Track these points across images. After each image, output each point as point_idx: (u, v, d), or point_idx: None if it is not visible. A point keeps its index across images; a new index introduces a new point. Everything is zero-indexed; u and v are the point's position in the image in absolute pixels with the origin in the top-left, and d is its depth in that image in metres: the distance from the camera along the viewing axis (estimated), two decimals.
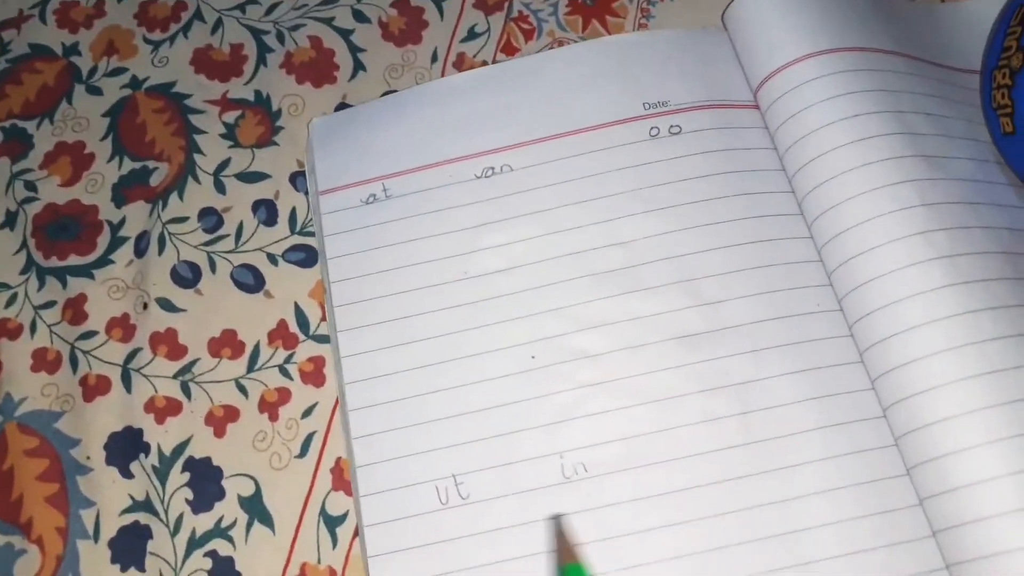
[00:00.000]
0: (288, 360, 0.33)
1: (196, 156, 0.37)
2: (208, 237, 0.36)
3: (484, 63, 0.38)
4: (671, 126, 0.34)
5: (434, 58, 0.38)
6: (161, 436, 0.33)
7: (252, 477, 0.32)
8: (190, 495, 0.32)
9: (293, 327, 0.34)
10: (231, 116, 0.38)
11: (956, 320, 0.29)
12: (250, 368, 0.33)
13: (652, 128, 0.34)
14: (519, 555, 0.29)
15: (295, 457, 0.32)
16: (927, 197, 0.30)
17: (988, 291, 0.29)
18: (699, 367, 0.31)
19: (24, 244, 0.36)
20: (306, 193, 0.36)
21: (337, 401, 0.33)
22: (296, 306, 0.34)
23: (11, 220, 0.37)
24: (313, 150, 0.36)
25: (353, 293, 0.33)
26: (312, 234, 0.35)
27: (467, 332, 0.32)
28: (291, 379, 0.33)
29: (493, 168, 0.35)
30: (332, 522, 0.31)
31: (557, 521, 0.29)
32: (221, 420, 0.33)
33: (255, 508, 0.31)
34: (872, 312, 0.30)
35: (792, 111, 0.33)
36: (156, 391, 0.33)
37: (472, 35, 0.39)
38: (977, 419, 0.27)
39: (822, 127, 0.32)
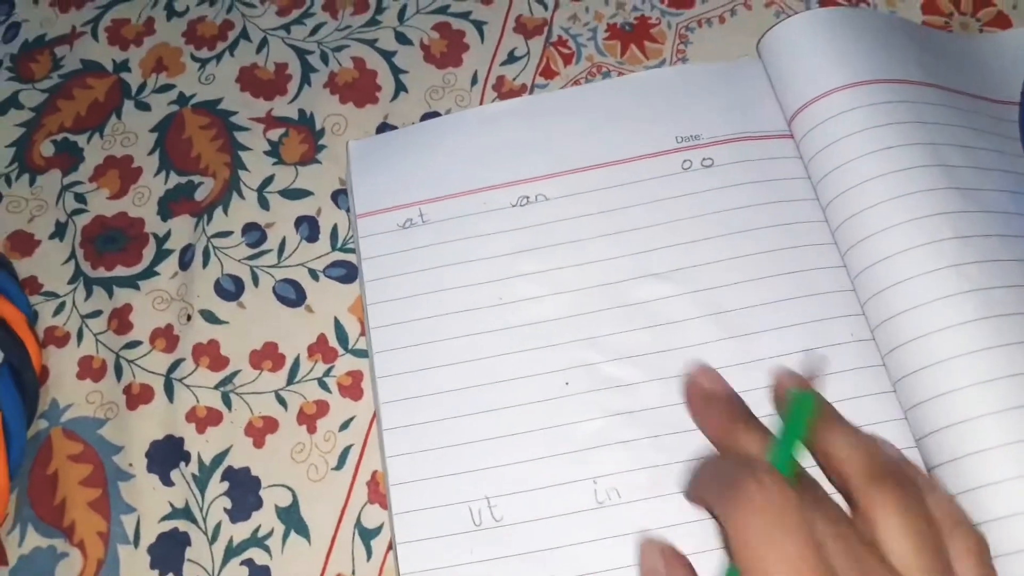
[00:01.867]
0: (327, 374, 0.34)
1: (240, 172, 0.38)
2: (251, 252, 0.36)
3: (523, 86, 0.39)
4: (703, 159, 0.35)
5: (474, 80, 0.39)
6: (201, 445, 0.33)
7: (290, 488, 0.32)
8: (228, 504, 0.32)
9: (332, 341, 0.35)
10: (275, 134, 0.39)
11: (989, 353, 0.29)
12: (290, 380, 0.34)
13: (685, 161, 0.35)
14: None
15: (332, 469, 0.33)
16: (960, 230, 0.31)
17: (1021, 325, 0.29)
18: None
19: (73, 254, 0.37)
20: (347, 210, 0.37)
21: (374, 415, 0.33)
22: (336, 321, 0.35)
23: (61, 231, 0.38)
24: (351, 172, 0.37)
25: (390, 315, 0.34)
26: (352, 251, 0.36)
27: (501, 357, 0.32)
28: (330, 392, 0.34)
29: (528, 197, 0.35)
30: (367, 535, 0.32)
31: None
32: (260, 431, 0.33)
33: (292, 518, 0.32)
34: (904, 344, 0.30)
35: (826, 142, 0.33)
36: (198, 401, 0.34)
37: (512, 59, 0.40)
38: (1010, 451, 0.27)
39: (856, 158, 0.32)
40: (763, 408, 0.30)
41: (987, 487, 0.28)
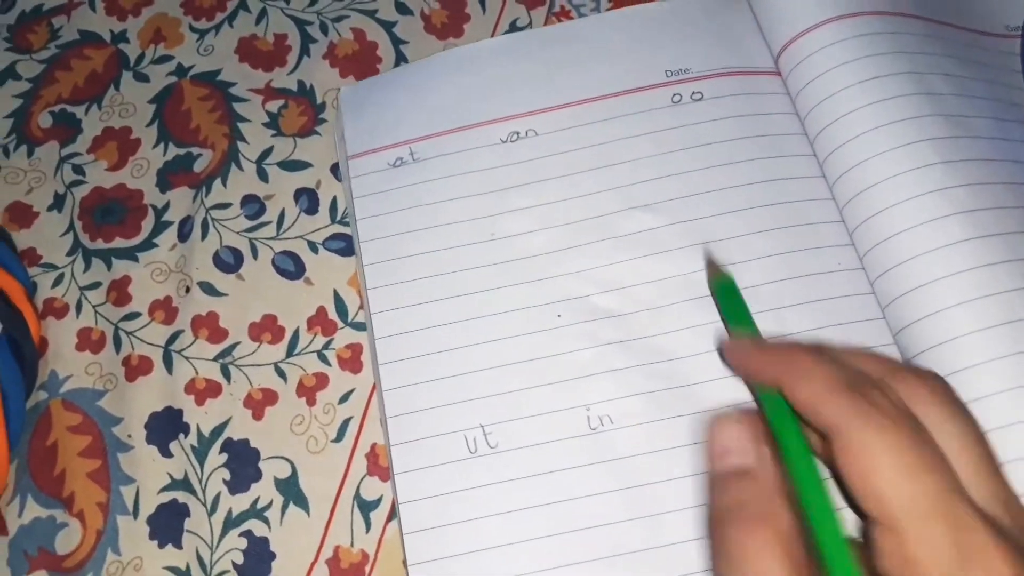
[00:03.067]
0: (327, 346, 0.34)
1: (239, 144, 0.38)
2: (250, 224, 0.36)
3: None
4: (693, 92, 0.35)
5: None
6: (201, 417, 0.33)
7: (289, 460, 0.32)
8: (227, 476, 0.32)
9: (332, 314, 0.34)
10: (274, 105, 0.39)
11: (974, 273, 0.29)
12: (289, 353, 0.34)
13: (674, 95, 0.35)
14: (547, 501, 0.30)
15: (331, 441, 0.33)
16: (946, 155, 0.31)
17: (1007, 244, 0.30)
18: (720, 326, 0.31)
19: (71, 226, 0.37)
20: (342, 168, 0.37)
21: (374, 387, 0.33)
22: (335, 293, 0.35)
23: (59, 203, 0.37)
24: (343, 117, 0.36)
25: (383, 252, 0.34)
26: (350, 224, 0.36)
27: (494, 291, 0.33)
28: (329, 365, 0.34)
29: (518, 132, 0.35)
30: (366, 506, 0.32)
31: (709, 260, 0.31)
32: (260, 403, 0.33)
33: (291, 490, 0.32)
34: (892, 268, 0.30)
35: (812, 75, 0.33)
36: (197, 373, 0.34)
37: (513, 29, 0.39)
38: (996, 367, 0.28)
39: (842, 90, 0.33)
40: None
41: (977, 401, 0.28)
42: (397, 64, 0.39)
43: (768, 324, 0.31)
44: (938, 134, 0.31)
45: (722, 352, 0.31)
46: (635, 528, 0.29)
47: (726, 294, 0.30)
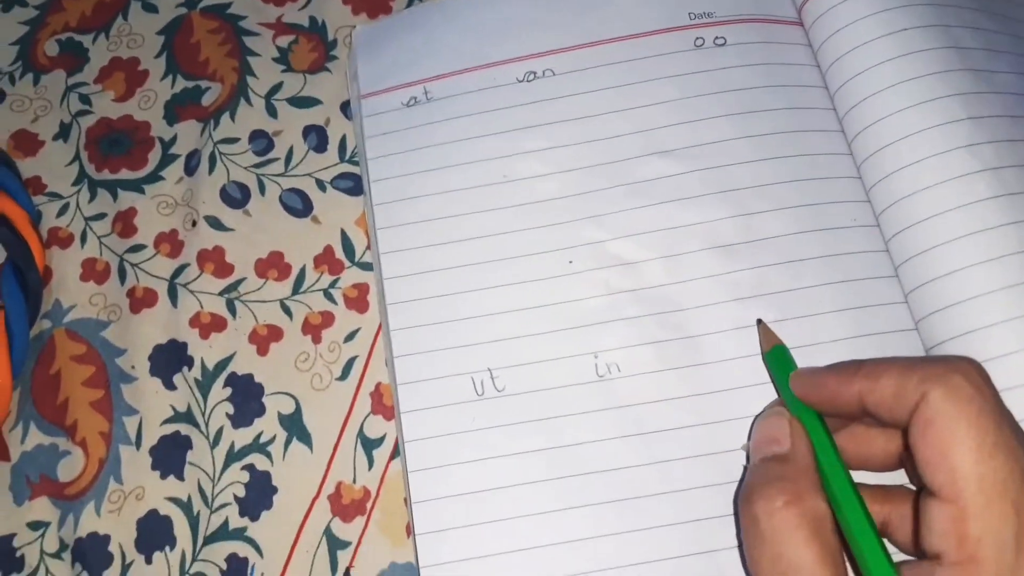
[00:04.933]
0: (333, 285, 0.34)
1: (249, 78, 0.37)
2: (258, 159, 0.36)
3: None
4: (716, 37, 0.34)
5: None
6: (205, 351, 0.33)
7: (293, 396, 0.32)
8: (231, 410, 0.32)
9: (339, 253, 0.34)
10: (285, 40, 0.38)
11: (999, 231, 0.29)
12: (295, 290, 0.34)
13: (697, 38, 0.34)
14: (552, 446, 0.30)
15: (336, 379, 0.32)
16: (973, 111, 0.30)
17: None
18: (735, 276, 0.31)
19: (77, 156, 0.37)
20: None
21: (379, 327, 0.33)
22: (343, 232, 0.34)
23: (65, 132, 0.37)
24: (356, 56, 0.36)
25: (393, 192, 0.33)
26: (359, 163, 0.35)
27: (506, 235, 0.32)
28: (335, 304, 0.33)
29: (535, 72, 0.35)
30: (369, 444, 0.32)
31: (760, 322, 0.30)
32: (265, 339, 0.33)
33: (294, 426, 0.32)
34: (913, 225, 0.30)
35: (836, 27, 0.33)
36: (202, 307, 0.34)
37: None
38: (1018, 326, 0.28)
39: (865, 43, 0.32)
40: (771, 285, 0.31)
41: (991, 361, 0.27)
42: (410, 3, 0.38)
43: (781, 277, 0.31)
44: (966, 89, 0.31)
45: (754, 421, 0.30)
46: (641, 473, 0.29)
47: (780, 361, 0.29)
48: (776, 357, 0.29)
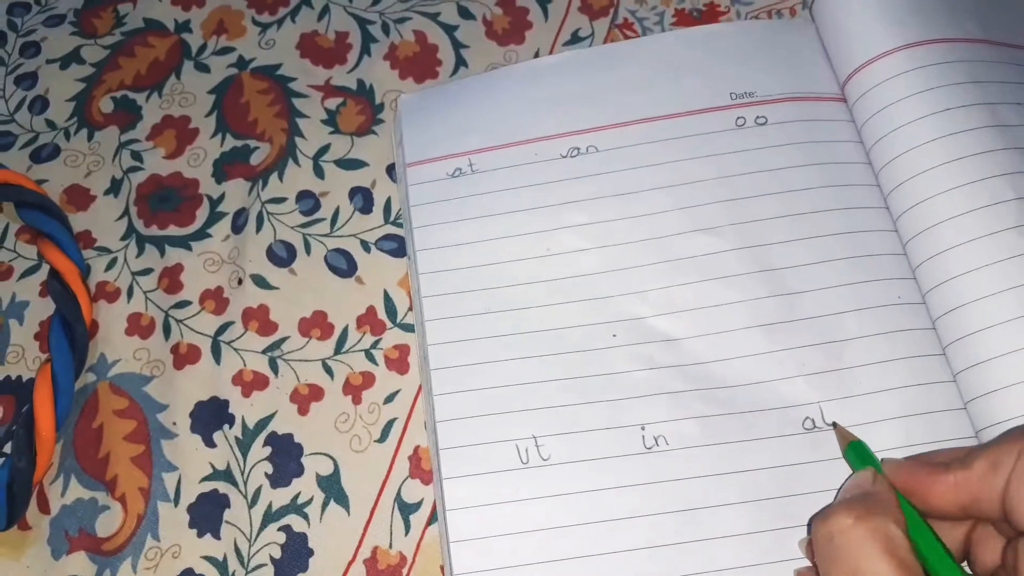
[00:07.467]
0: (375, 345, 0.34)
1: (297, 139, 0.38)
2: (305, 219, 0.36)
3: None
4: (757, 116, 0.35)
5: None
6: (246, 409, 0.33)
7: (332, 457, 0.32)
8: (270, 469, 0.32)
9: (381, 314, 0.34)
10: (333, 103, 0.39)
11: None
12: (337, 350, 0.34)
13: (739, 118, 0.35)
14: (598, 519, 0.29)
15: (375, 441, 0.32)
16: (1021, 191, 0.30)
17: None
18: (779, 355, 0.31)
19: (127, 211, 0.37)
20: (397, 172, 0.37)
21: (419, 389, 0.33)
22: (385, 293, 0.35)
23: (116, 187, 0.38)
24: (402, 124, 0.37)
25: (438, 261, 0.34)
26: (403, 225, 0.36)
27: (549, 307, 0.32)
28: (376, 364, 0.34)
29: (579, 148, 0.35)
30: (407, 509, 0.31)
31: (835, 425, 0.30)
32: (306, 398, 0.33)
33: (332, 488, 0.32)
34: (961, 306, 0.30)
35: (880, 105, 0.33)
36: (245, 365, 0.34)
37: (575, 39, 0.39)
38: None
39: (911, 122, 0.32)
40: (814, 365, 0.31)
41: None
42: (457, 68, 0.39)
43: (826, 357, 0.31)
44: (1012, 169, 0.31)
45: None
46: (686, 553, 0.29)
47: (860, 456, 0.28)
48: (857, 455, 0.28)
